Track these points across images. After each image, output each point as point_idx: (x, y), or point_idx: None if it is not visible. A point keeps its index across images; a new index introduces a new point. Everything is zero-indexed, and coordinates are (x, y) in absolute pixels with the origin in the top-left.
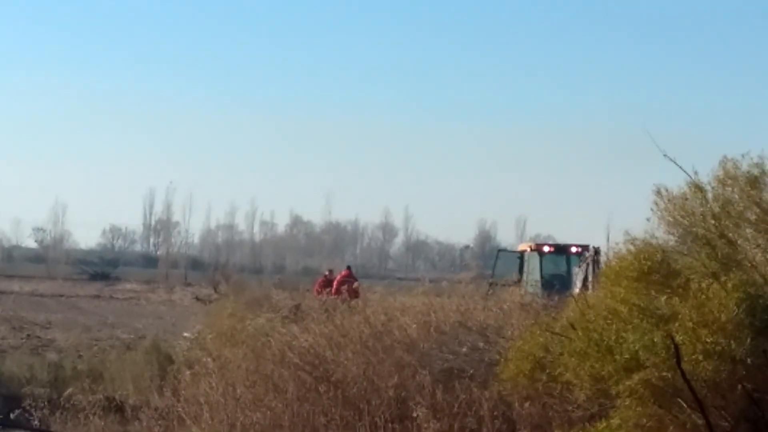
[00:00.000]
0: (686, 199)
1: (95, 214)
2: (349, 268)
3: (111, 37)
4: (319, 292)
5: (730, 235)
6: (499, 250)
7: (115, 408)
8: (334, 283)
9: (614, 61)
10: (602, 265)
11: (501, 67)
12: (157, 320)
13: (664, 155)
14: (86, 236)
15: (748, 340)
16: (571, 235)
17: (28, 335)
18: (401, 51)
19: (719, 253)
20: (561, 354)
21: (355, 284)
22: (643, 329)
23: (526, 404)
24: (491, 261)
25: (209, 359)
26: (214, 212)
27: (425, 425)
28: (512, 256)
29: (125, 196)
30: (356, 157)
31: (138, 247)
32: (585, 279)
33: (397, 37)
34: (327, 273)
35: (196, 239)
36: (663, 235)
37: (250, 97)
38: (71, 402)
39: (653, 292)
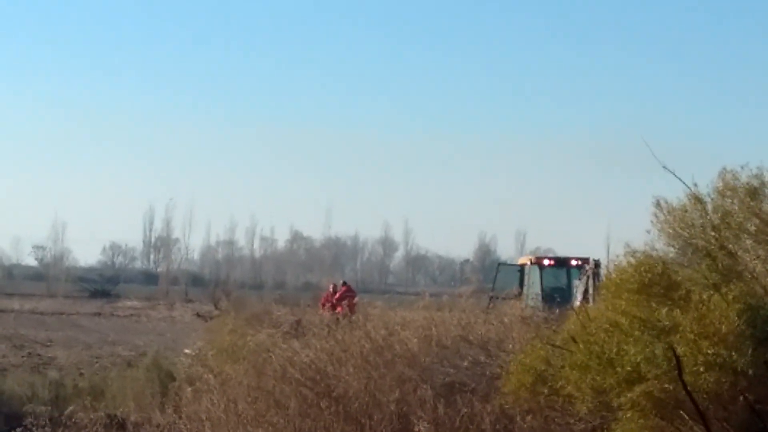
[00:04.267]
0: (686, 210)
1: (95, 231)
2: (345, 283)
3: (109, 54)
4: (324, 306)
5: (730, 246)
6: (500, 264)
7: (117, 425)
8: (335, 298)
9: (612, 73)
10: (603, 278)
11: (499, 79)
12: (158, 337)
13: (664, 167)
14: (86, 253)
15: (750, 351)
16: (571, 248)
17: (29, 353)
18: (399, 65)
19: (720, 265)
20: (562, 367)
21: (355, 299)
22: (644, 341)
23: (528, 418)
24: (491, 274)
25: (210, 376)
26: (214, 228)
27: None
28: (512, 270)
29: (125, 213)
30: (355, 171)
31: (138, 264)
32: (585, 292)
33: (394, 51)
34: (331, 287)
35: (196, 256)
36: (663, 247)
37: (249, 112)
38: (73, 420)
39: (654, 304)
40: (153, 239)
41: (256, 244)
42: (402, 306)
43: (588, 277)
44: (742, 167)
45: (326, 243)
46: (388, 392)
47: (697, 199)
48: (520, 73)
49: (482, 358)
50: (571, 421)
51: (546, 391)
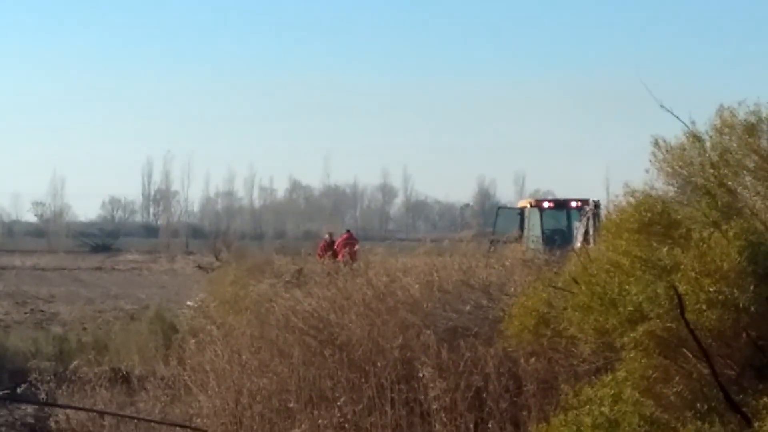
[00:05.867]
0: (684, 149)
1: (94, 185)
2: (348, 231)
3: (104, 10)
4: (321, 256)
5: (730, 183)
6: (500, 208)
7: (122, 379)
8: (336, 246)
9: (609, 13)
10: (603, 219)
11: (495, 23)
12: (160, 290)
13: (661, 106)
14: (86, 208)
15: (751, 287)
16: (571, 190)
17: (32, 310)
18: (394, 9)
19: (719, 202)
20: (564, 309)
21: (356, 246)
22: (645, 281)
23: (532, 360)
24: (492, 218)
25: (213, 327)
26: (212, 180)
27: (431, 385)
28: (512, 213)
29: (123, 166)
30: (353, 118)
31: (138, 218)
32: (586, 233)
33: None
34: (327, 236)
35: (195, 207)
36: (662, 186)
37: (244, 62)
38: (77, 374)
39: (655, 244)
40: (152, 192)
41: (256, 195)
42: (403, 252)
43: (588, 218)
44: (739, 104)
45: (325, 191)
46: (391, 339)
47: (696, 137)
48: (517, 16)
49: (484, 302)
50: (575, 362)
51: (549, 333)
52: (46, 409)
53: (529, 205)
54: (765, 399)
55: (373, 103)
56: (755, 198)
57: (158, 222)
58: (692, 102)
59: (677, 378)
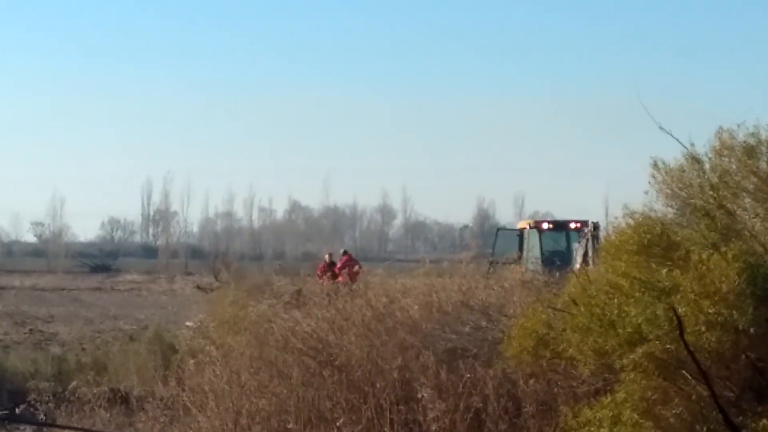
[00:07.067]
0: (683, 170)
1: (93, 206)
2: (346, 252)
3: (104, 29)
4: (320, 277)
5: (729, 205)
6: (499, 229)
7: (120, 399)
8: (337, 268)
9: (608, 33)
10: (602, 240)
11: (494, 43)
12: (159, 310)
13: (660, 127)
14: (85, 229)
15: (750, 309)
16: (570, 211)
17: (31, 330)
18: (392, 28)
19: (718, 224)
20: (564, 330)
21: (356, 267)
22: (645, 302)
23: (531, 381)
24: (491, 240)
25: (212, 347)
26: (212, 200)
27: (431, 406)
28: (512, 234)
29: (123, 187)
30: (352, 139)
31: (137, 238)
32: (585, 254)
33: (389, 17)
34: (327, 257)
35: (195, 228)
36: (662, 208)
37: (244, 83)
38: (76, 395)
39: (654, 265)
40: (151, 213)
41: (255, 215)
42: (402, 273)
43: (587, 239)
44: (738, 126)
45: (325, 212)
46: (390, 359)
47: (695, 159)
48: (516, 37)
49: (483, 323)
50: (574, 383)
51: (548, 354)
52: (44, 429)
53: (528, 227)
54: (764, 421)
55: (372, 124)
56: (754, 220)
57: (157, 242)
58: (691, 123)
59: (676, 400)
